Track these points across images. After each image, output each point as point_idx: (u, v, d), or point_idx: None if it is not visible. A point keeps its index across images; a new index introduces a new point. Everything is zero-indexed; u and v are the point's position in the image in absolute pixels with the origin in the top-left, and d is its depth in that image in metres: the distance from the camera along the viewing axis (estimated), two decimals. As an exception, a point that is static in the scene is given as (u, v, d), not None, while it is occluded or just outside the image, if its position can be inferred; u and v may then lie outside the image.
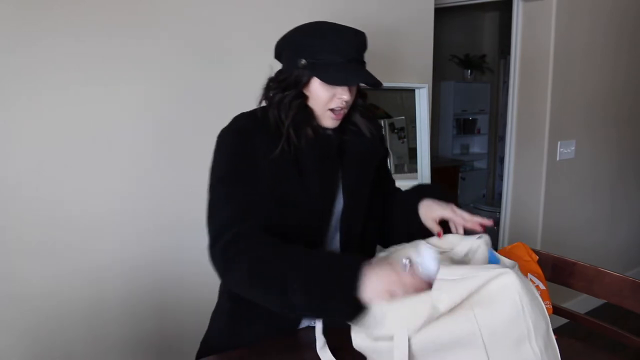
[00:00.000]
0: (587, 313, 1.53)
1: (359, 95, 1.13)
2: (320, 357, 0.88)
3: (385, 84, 2.05)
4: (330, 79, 1.00)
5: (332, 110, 1.04)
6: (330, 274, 0.85)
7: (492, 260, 0.89)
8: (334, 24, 1.06)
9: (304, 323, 1.09)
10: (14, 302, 1.37)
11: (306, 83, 1.03)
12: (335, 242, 1.10)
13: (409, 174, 2.19)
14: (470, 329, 0.71)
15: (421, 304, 0.74)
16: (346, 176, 1.10)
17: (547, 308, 1.09)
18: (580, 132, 2.79)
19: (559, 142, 2.66)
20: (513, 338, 0.70)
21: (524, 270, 1.27)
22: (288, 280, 0.86)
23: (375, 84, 1.03)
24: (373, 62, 2.03)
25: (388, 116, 2.15)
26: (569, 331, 1.81)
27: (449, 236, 0.98)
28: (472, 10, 4.49)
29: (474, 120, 4.75)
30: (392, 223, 1.19)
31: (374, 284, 0.80)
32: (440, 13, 2.58)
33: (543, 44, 2.55)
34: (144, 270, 1.58)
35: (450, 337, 0.72)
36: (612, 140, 3.03)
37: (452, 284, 0.73)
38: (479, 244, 0.90)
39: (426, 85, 2.16)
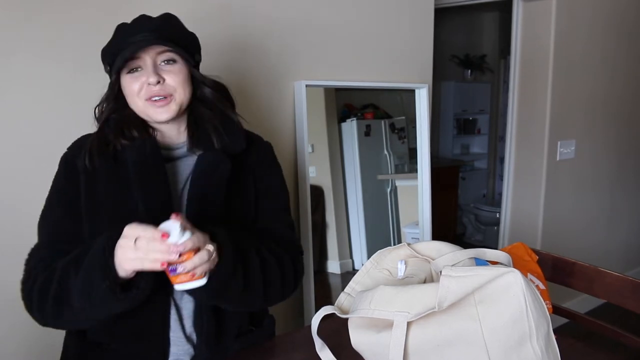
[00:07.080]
0: (587, 313, 1.53)
1: (207, 85, 1.04)
2: (321, 357, 0.88)
3: (385, 84, 2.08)
4: (120, 60, 0.94)
5: (150, 100, 0.97)
6: (84, 266, 0.87)
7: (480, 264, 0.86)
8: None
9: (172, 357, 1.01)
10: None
11: (117, 84, 0.99)
12: None
13: (409, 174, 2.19)
14: (472, 327, 0.71)
15: (426, 297, 0.74)
16: (192, 194, 1.00)
17: (547, 308, 1.09)
18: (580, 132, 2.79)
19: (559, 142, 2.67)
20: (515, 337, 0.70)
21: (523, 270, 1.27)
22: (63, 294, 0.89)
23: (177, 52, 0.96)
24: (374, 62, 2.05)
25: (388, 116, 2.15)
26: (569, 331, 1.81)
27: (435, 243, 0.92)
28: (472, 10, 4.49)
29: (474, 120, 4.75)
30: None
31: (122, 255, 0.82)
32: (440, 13, 2.58)
33: (543, 44, 2.55)
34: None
35: (451, 334, 0.72)
36: (612, 140, 3.03)
37: (456, 280, 0.73)
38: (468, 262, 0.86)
39: (426, 85, 2.16)
